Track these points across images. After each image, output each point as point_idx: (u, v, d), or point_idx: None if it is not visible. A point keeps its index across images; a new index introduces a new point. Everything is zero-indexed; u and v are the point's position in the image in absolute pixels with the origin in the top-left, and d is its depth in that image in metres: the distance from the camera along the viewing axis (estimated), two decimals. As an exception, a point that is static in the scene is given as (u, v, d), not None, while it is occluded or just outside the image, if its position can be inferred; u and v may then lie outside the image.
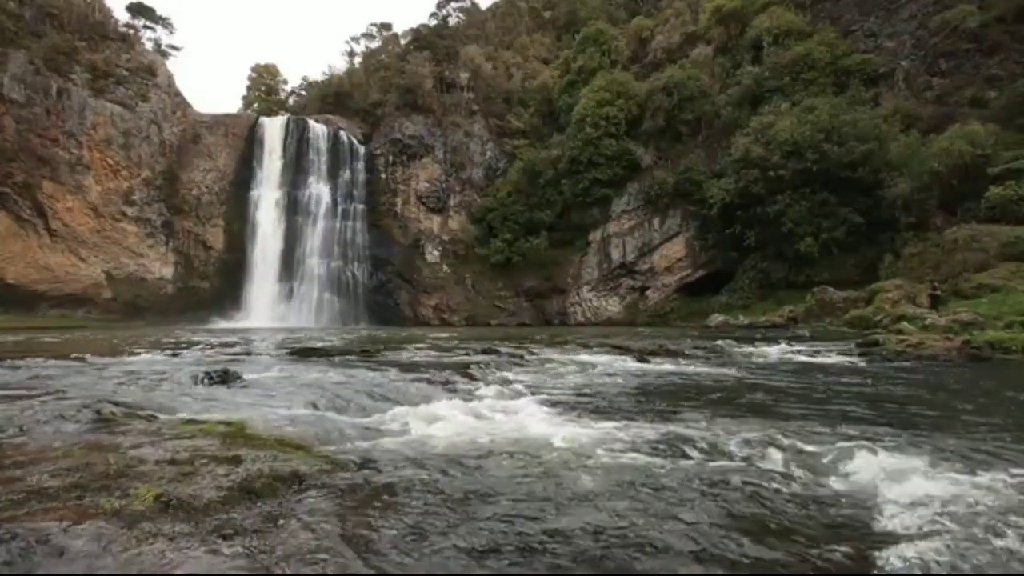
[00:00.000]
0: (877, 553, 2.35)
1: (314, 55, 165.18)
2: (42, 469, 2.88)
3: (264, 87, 78.91)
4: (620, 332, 25.57)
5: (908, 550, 2.36)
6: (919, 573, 2.21)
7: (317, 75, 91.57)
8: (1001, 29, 33.98)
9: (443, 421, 5.20)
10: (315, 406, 5.78)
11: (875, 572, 2.24)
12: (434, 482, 3.23)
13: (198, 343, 16.52)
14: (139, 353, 11.95)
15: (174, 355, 11.54)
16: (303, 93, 75.81)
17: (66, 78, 43.42)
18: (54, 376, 7.76)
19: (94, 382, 7.10)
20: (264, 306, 47.20)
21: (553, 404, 6.33)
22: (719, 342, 16.62)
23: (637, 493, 3.10)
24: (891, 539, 2.51)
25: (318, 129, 51.71)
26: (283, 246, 49.18)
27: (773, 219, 35.41)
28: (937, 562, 2.27)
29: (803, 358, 12.46)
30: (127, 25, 53.31)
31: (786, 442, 4.41)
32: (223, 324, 43.25)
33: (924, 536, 2.51)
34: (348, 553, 2.21)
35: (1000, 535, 2.49)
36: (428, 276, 50.69)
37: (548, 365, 10.46)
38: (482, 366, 9.51)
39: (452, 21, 70.89)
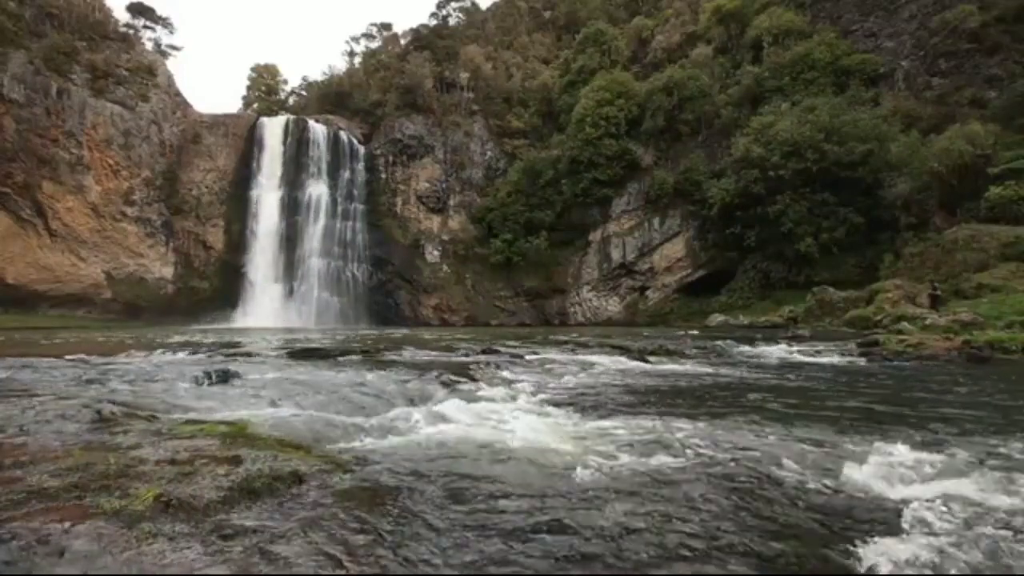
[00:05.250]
0: (882, 552, 2.35)
1: (314, 55, 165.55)
2: (42, 469, 2.87)
3: (264, 87, 78.94)
4: (620, 332, 25.57)
5: (913, 550, 2.36)
6: (925, 573, 2.21)
7: (317, 75, 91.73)
8: (1001, 29, 33.99)
9: (444, 421, 5.20)
10: (315, 406, 5.77)
11: (879, 572, 2.24)
12: (435, 483, 3.22)
13: (198, 343, 16.50)
14: (139, 353, 11.94)
15: (174, 355, 11.53)
16: (303, 93, 75.89)
17: (66, 78, 43.41)
18: (54, 376, 7.75)
19: (94, 382, 7.09)
20: (264, 306, 47.19)
21: (554, 404, 6.32)
22: (719, 342, 16.61)
23: (640, 492, 3.09)
24: (896, 539, 2.50)
25: (318, 129, 51.72)
26: (283, 246, 49.19)
27: (773, 219, 35.42)
28: (942, 562, 2.27)
29: (803, 358, 12.46)
30: (127, 25, 53.41)
31: (787, 442, 4.41)
32: (223, 324, 43.23)
33: (929, 536, 2.50)
34: (348, 553, 2.20)
35: (1005, 535, 2.49)
36: (428, 276, 50.70)
37: (548, 365, 10.45)
38: (483, 366, 9.50)
39: (452, 21, 70.97)
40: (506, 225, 48.77)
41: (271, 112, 63.04)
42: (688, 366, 10.85)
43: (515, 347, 14.01)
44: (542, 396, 6.95)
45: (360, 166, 52.69)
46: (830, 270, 33.09)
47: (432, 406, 6.05)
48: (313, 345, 14.69)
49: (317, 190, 50.61)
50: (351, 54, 74.52)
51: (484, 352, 12.61)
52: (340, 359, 10.90)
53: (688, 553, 2.34)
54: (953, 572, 2.21)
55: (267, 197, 50.09)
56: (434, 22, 69.55)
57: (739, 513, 2.81)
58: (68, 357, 10.47)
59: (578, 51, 56.10)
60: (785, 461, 3.79)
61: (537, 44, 65.01)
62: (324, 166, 51.18)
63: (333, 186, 51.27)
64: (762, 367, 10.81)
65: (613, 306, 46.83)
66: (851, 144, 33.43)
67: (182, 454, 3.23)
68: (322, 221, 50.04)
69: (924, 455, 3.91)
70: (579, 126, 46.18)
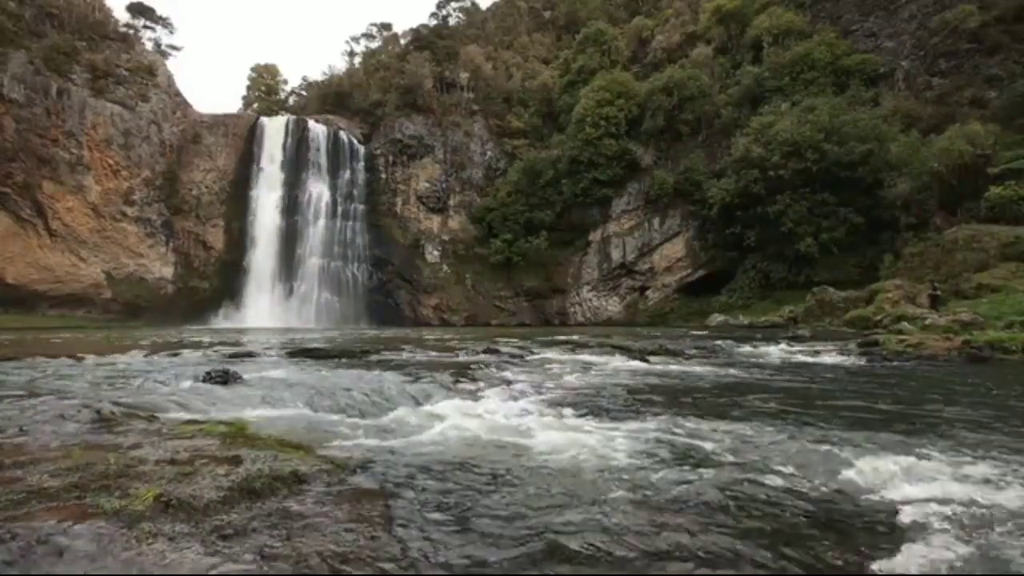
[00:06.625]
0: (881, 553, 2.35)
1: (314, 55, 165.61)
2: (42, 469, 2.87)
3: (264, 87, 78.94)
4: (620, 332, 25.56)
5: (912, 550, 2.36)
6: (923, 573, 2.21)
7: (317, 75, 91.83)
8: (1001, 29, 34.00)
9: (444, 421, 5.20)
10: (315, 406, 5.77)
11: (879, 572, 2.24)
12: (435, 484, 3.22)
13: (198, 343, 16.51)
14: (139, 353, 11.94)
15: (174, 355, 11.53)
16: (303, 93, 75.90)
17: (66, 78, 43.40)
18: (54, 376, 7.76)
19: (94, 382, 7.09)
20: (264, 306, 47.19)
21: (554, 404, 6.32)
22: (719, 342, 16.61)
23: (640, 493, 3.09)
24: (895, 539, 2.50)
25: (318, 129, 51.72)
26: (283, 246, 49.19)
27: (773, 219, 35.42)
28: (941, 562, 2.26)
29: (803, 358, 12.45)
30: (127, 25, 53.40)
31: (789, 442, 4.41)
32: (223, 324, 43.25)
33: (928, 536, 2.50)
34: (348, 554, 2.20)
35: (1003, 535, 2.49)
36: (428, 276, 50.70)
37: (549, 365, 10.45)
38: (483, 366, 9.50)
39: (452, 21, 70.98)
40: (506, 225, 48.77)
41: (271, 112, 63.05)
42: (688, 366, 10.85)
43: (515, 347, 14.01)
44: (542, 397, 6.95)
45: (360, 166, 52.70)
46: (830, 270, 33.09)
47: (432, 406, 6.06)
48: (313, 345, 14.69)
49: (317, 190, 50.61)
50: (351, 54, 74.64)
51: (484, 352, 12.61)
52: (340, 359, 10.90)
53: (685, 554, 2.34)
54: (955, 574, 2.20)
55: (267, 197, 50.08)
56: (434, 22, 69.60)
57: (739, 513, 2.81)
58: (68, 357, 10.47)
59: (578, 51, 56.10)
60: (787, 462, 3.79)
61: (537, 44, 65.00)
62: (324, 166, 51.19)
63: (333, 186, 51.28)
64: (762, 367, 10.81)
65: (613, 306, 46.83)
66: (851, 144, 33.43)
67: (182, 454, 3.23)
68: (322, 221, 50.05)
69: (925, 455, 3.91)
70: (579, 126, 46.17)
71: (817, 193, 34.48)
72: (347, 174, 51.91)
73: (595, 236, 47.54)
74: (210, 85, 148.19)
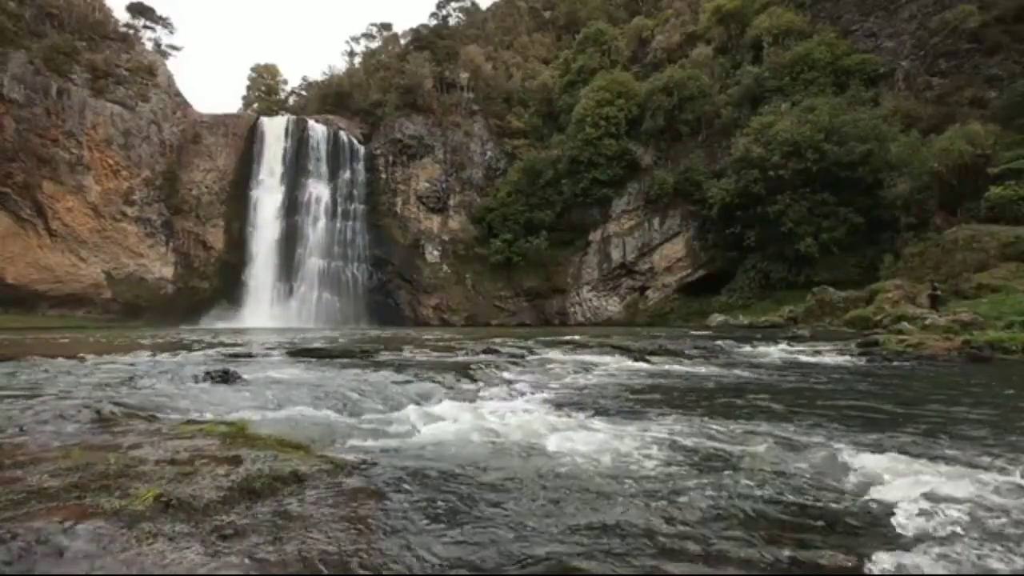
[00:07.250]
0: (880, 553, 2.34)
1: (314, 55, 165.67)
2: (42, 469, 2.87)
3: (264, 87, 78.94)
4: (620, 332, 25.55)
5: (911, 551, 2.36)
6: (922, 574, 2.21)
7: (317, 75, 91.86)
8: (1001, 29, 34.00)
9: (444, 422, 5.19)
10: (315, 406, 5.77)
11: (877, 573, 2.23)
12: (434, 484, 3.22)
13: (198, 343, 16.51)
14: (139, 353, 11.94)
15: (174, 355, 11.53)
16: (303, 93, 75.91)
17: (66, 78, 43.40)
18: (54, 376, 7.75)
19: (94, 382, 7.08)
20: (264, 306, 47.22)
21: (554, 404, 6.32)
22: (719, 342, 16.61)
23: (639, 493, 3.09)
24: (894, 539, 2.50)
25: (318, 129, 51.74)
26: (283, 246, 49.21)
27: (773, 219, 35.42)
28: (939, 563, 2.26)
29: (803, 358, 12.45)
30: (127, 25, 53.41)
31: (787, 442, 4.41)
32: (223, 324, 43.23)
33: (926, 537, 2.50)
34: (347, 554, 2.20)
35: (1003, 536, 2.48)
36: (428, 276, 50.70)
37: (548, 365, 10.44)
38: (483, 366, 9.48)
39: (452, 21, 71.01)
40: (506, 225, 48.78)
41: (271, 112, 63.05)
42: (689, 367, 10.84)
43: (515, 347, 14.00)
44: (542, 397, 6.95)
45: (360, 166, 52.71)
46: (830, 270, 33.10)
47: (432, 406, 6.05)
48: (313, 345, 14.68)
49: (317, 190, 50.63)
50: (351, 54, 74.67)
51: (484, 352, 12.61)
52: (340, 359, 10.90)
53: (684, 554, 2.33)
54: (971, 573, 2.20)
55: (267, 197, 50.10)
56: (434, 22, 69.64)
57: (738, 513, 2.80)
58: (68, 357, 10.46)
59: (578, 51, 56.12)
60: (783, 461, 3.79)
61: (537, 44, 65.00)
62: (324, 166, 51.22)
63: (333, 186, 51.31)
64: (763, 367, 10.80)
65: (613, 306, 46.83)
66: (851, 144, 33.44)
67: (182, 454, 3.22)
68: (322, 221, 50.07)
69: (925, 456, 3.91)
70: (579, 126, 46.18)
71: (817, 193, 34.49)
72: (347, 174, 51.92)
73: (595, 236, 47.55)
74: (210, 85, 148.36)
